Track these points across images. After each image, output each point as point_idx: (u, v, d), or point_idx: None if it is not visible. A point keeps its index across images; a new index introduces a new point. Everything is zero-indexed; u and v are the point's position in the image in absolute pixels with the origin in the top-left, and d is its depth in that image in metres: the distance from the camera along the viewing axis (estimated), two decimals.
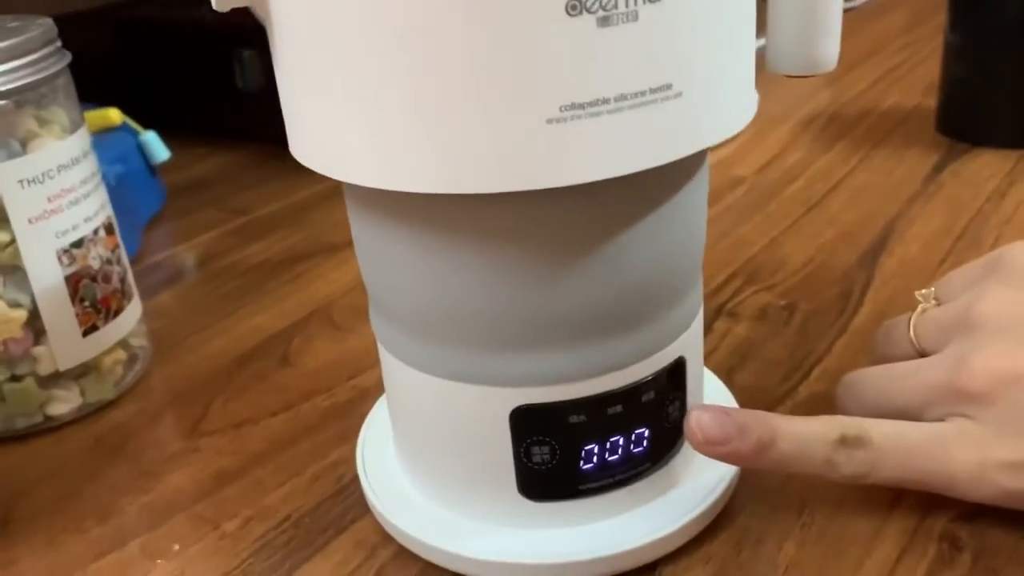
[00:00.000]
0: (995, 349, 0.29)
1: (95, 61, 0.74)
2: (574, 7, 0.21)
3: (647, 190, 0.26)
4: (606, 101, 0.22)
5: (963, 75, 0.60)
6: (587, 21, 0.21)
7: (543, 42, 0.21)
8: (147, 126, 0.62)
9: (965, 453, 0.29)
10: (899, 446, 0.29)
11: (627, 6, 0.21)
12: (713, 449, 0.29)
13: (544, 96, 0.22)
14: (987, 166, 0.57)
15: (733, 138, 0.65)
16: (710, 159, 0.62)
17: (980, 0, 0.58)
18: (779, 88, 0.74)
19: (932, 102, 0.64)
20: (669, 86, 0.23)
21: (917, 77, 0.74)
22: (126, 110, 0.62)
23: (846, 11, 0.95)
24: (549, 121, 0.22)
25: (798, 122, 0.68)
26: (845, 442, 0.29)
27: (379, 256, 0.28)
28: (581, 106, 0.22)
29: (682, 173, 0.26)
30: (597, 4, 0.21)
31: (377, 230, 0.27)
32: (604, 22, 0.21)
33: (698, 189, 0.27)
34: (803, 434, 0.29)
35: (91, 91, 0.63)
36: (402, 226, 0.26)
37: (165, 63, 0.75)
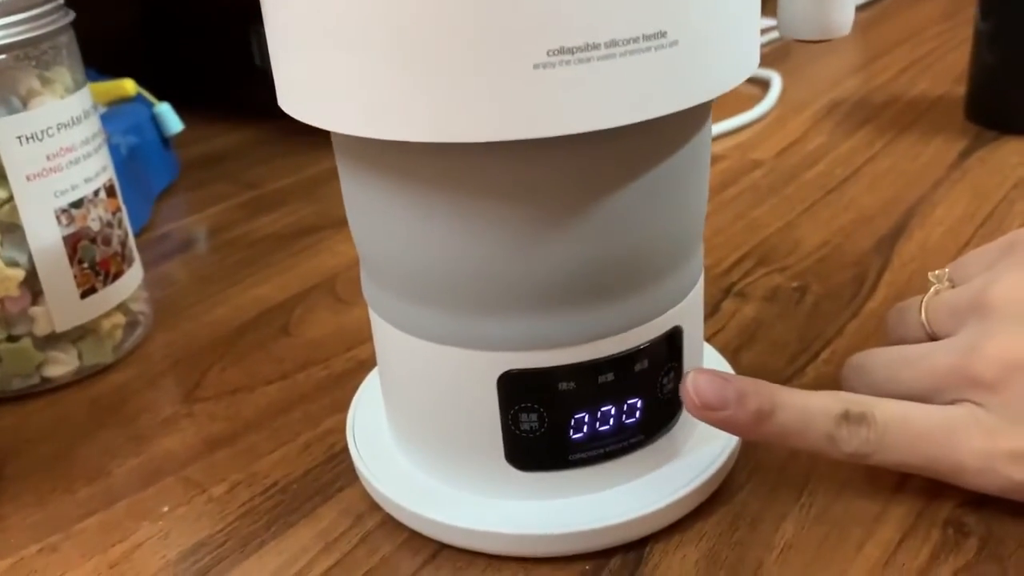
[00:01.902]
0: (1008, 335, 0.28)
1: (118, 35, 0.74)
2: None
3: (642, 146, 0.25)
4: (596, 47, 0.21)
5: (993, 63, 0.58)
6: None
7: None
8: (166, 97, 0.62)
9: (974, 441, 0.27)
10: (905, 428, 0.28)
11: None
12: (708, 414, 0.28)
13: (531, 39, 0.21)
14: (1015, 153, 0.55)
15: (753, 122, 0.64)
16: (728, 143, 0.61)
17: None
18: (805, 73, 0.73)
19: (962, 90, 0.63)
20: (664, 34, 0.22)
21: (948, 65, 0.72)
22: (147, 84, 0.62)
23: (877, 0, 0.93)
24: (536, 66, 0.21)
25: (822, 107, 0.66)
26: (849, 418, 0.28)
27: (367, 213, 0.27)
28: (570, 51, 0.21)
29: (680, 129, 0.25)
30: None
31: (364, 184, 0.27)
32: None
33: (699, 148, 0.26)
34: (805, 407, 0.28)
35: (113, 64, 0.64)
36: (388, 179, 0.25)
37: (186, 38, 0.75)
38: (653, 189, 0.25)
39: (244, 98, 0.73)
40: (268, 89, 0.81)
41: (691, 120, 0.25)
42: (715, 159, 0.58)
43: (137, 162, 0.57)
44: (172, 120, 0.61)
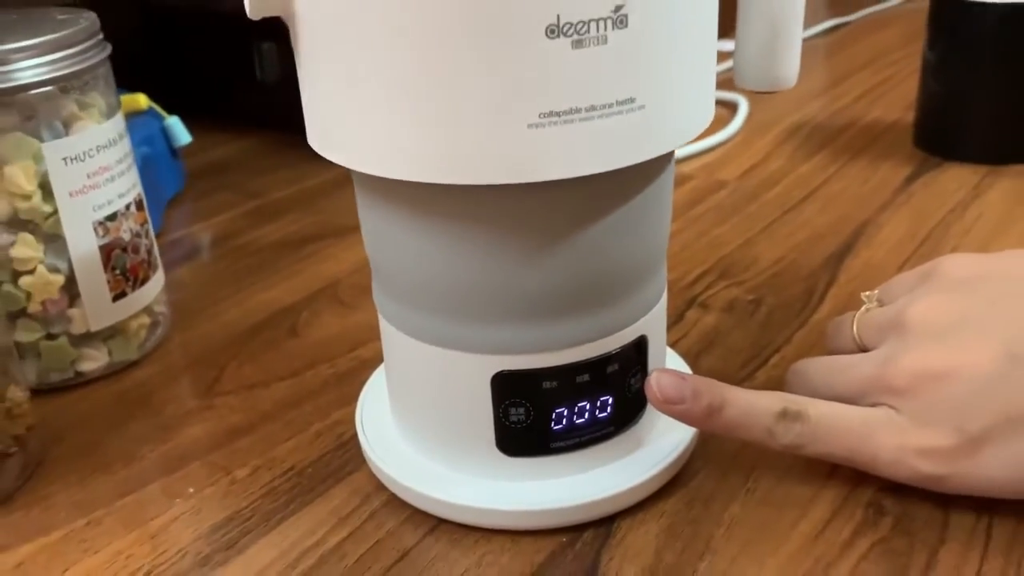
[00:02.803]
0: (919, 351, 0.32)
1: (123, 45, 0.78)
2: (552, 31, 0.25)
3: (615, 188, 0.30)
4: (578, 111, 0.26)
5: (938, 91, 0.64)
6: (563, 43, 0.25)
7: (526, 59, 0.25)
8: (171, 110, 0.66)
9: (888, 438, 0.32)
10: (832, 425, 0.33)
11: (598, 31, 0.25)
12: (668, 407, 0.33)
13: (526, 104, 0.26)
14: (955, 179, 0.61)
15: (720, 143, 0.69)
16: (697, 163, 0.66)
17: (957, 20, 0.62)
18: (767, 99, 0.78)
19: (911, 117, 0.68)
20: (633, 99, 0.27)
21: (901, 93, 0.78)
22: (151, 93, 0.66)
23: (841, 26, 0.99)
24: (530, 126, 0.26)
25: (783, 131, 0.71)
26: (786, 415, 0.33)
27: (381, 236, 0.32)
28: (557, 114, 0.26)
29: (646, 174, 0.30)
30: (572, 29, 0.25)
31: (380, 213, 0.31)
32: (578, 44, 0.25)
33: (662, 187, 0.31)
34: (749, 404, 0.33)
35: (118, 74, 0.68)
36: (402, 210, 0.30)
37: (190, 50, 0.79)
38: (623, 221, 0.30)
39: (244, 109, 0.77)
40: (267, 101, 0.84)
41: (655, 165, 0.30)
42: (684, 178, 0.64)
43: (149, 172, 0.61)
44: (181, 132, 0.65)
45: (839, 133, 0.70)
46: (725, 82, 0.75)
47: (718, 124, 0.71)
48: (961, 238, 0.53)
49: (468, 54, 0.25)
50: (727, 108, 0.75)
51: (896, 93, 0.78)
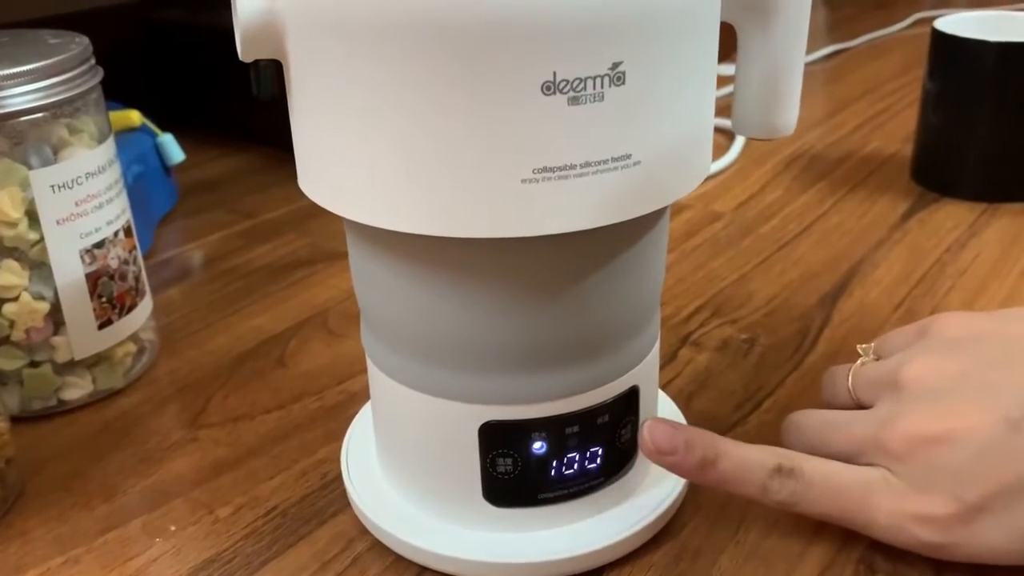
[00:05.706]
0: (915, 414, 0.32)
1: (117, 57, 0.77)
2: (548, 88, 0.25)
3: (608, 242, 0.29)
4: (573, 167, 0.26)
5: (938, 125, 0.63)
6: (559, 100, 0.25)
7: (521, 116, 0.25)
8: (164, 124, 0.66)
9: (885, 501, 0.32)
10: (828, 484, 0.32)
11: (595, 88, 0.25)
12: (660, 458, 0.32)
13: (520, 160, 0.25)
14: (952, 216, 0.60)
15: (718, 172, 0.69)
16: (693, 193, 0.66)
17: (956, 57, 0.61)
18: None
19: (910, 149, 0.68)
20: (629, 156, 0.26)
21: (900, 124, 0.78)
22: (146, 108, 0.65)
23: (840, 52, 0.99)
24: (524, 181, 0.26)
25: (781, 161, 0.71)
26: (781, 471, 0.32)
27: (371, 282, 0.31)
28: (552, 170, 0.26)
29: (640, 228, 0.30)
30: (568, 86, 0.25)
31: (372, 260, 0.31)
32: (574, 101, 0.25)
33: (655, 241, 0.31)
34: (744, 458, 0.32)
35: (112, 87, 0.67)
36: (394, 260, 0.30)
37: (185, 65, 0.79)
38: (616, 275, 0.30)
39: (239, 126, 0.77)
40: (262, 119, 0.84)
41: (649, 220, 0.30)
42: (680, 209, 0.63)
43: (140, 190, 0.61)
44: (174, 150, 0.65)
45: (837, 164, 0.70)
46: (723, 108, 0.75)
47: (715, 152, 0.70)
48: (956, 279, 0.53)
49: (463, 109, 0.25)
50: (725, 136, 0.74)
51: (895, 123, 0.78)
